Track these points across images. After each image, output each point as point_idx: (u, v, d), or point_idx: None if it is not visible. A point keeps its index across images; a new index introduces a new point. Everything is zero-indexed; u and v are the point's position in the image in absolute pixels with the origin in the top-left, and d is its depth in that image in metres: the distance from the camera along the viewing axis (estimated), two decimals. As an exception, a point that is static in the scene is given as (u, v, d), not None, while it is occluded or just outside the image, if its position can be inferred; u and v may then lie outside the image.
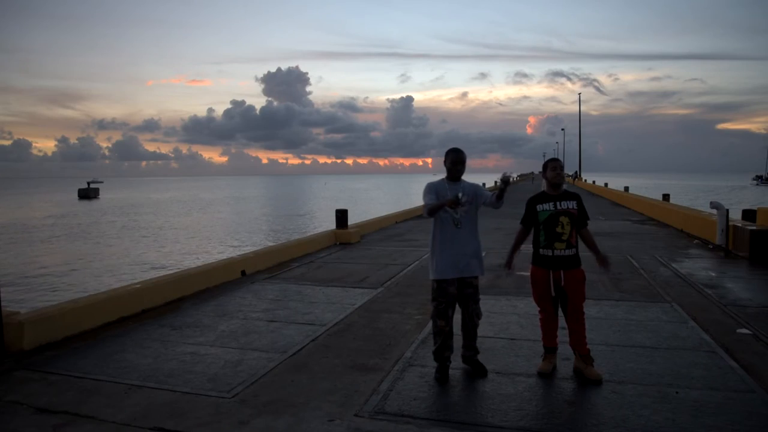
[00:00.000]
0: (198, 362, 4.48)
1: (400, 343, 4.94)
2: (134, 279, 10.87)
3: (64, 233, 31.28)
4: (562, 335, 4.24)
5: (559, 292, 4.09)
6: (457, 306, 4.13)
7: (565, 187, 4.24)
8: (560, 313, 4.21)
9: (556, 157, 4.36)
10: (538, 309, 4.28)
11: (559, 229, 4.02)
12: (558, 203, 4.07)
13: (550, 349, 4.23)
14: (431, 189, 4.05)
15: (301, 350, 4.77)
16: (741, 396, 3.69)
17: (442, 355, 4.06)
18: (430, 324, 5.37)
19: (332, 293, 7.00)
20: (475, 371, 4.13)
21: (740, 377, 4.02)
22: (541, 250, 4.10)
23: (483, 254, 4.18)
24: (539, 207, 4.11)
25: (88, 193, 77.57)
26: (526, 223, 4.22)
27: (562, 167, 4.16)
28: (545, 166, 4.20)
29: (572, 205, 4.08)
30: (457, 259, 3.98)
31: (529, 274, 4.24)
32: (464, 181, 4.16)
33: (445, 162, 4.12)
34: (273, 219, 41.94)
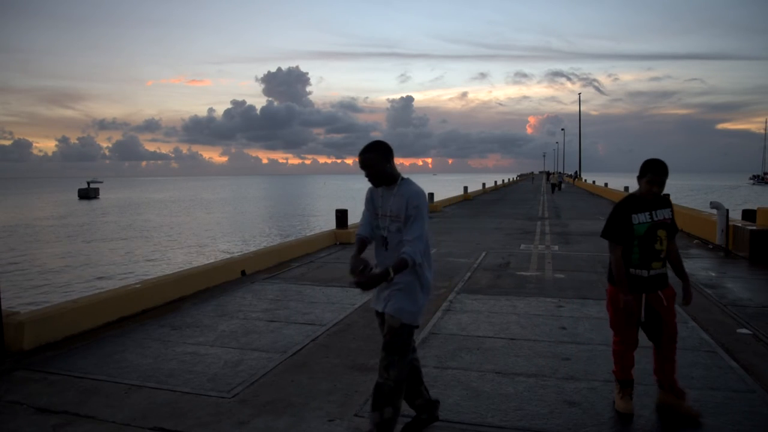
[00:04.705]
0: (198, 362, 4.48)
1: (400, 343, 4.93)
2: (134, 279, 10.87)
3: (64, 233, 31.27)
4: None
5: (651, 316, 3.35)
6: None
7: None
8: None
9: (662, 161, 3.28)
10: (616, 338, 3.49)
11: (658, 246, 3.29)
12: (654, 213, 3.30)
13: (628, 383, 3.48)
14: (367, 198, 3.09)
15: (301, 350, 4.77)
16: (741, 396, 3.68)
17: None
18: (428, 325, 5.38)
19: (332, 293, 7.00)
20: None
21: (740, 377, 4.02)
22: (631, 269, 3.31)
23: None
24: (635, 218, 3.29)
25: (88, 193, 77.47)
26: (621, 241, 3.32)
27: (663, 181, 3.27)
28: (647, 169, 3.28)
29: (668, 213, 3.34)
30: (381, 288, 2.94)
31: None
32: (407, 185, 2.89)
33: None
34: (273, 219, 41.94)
